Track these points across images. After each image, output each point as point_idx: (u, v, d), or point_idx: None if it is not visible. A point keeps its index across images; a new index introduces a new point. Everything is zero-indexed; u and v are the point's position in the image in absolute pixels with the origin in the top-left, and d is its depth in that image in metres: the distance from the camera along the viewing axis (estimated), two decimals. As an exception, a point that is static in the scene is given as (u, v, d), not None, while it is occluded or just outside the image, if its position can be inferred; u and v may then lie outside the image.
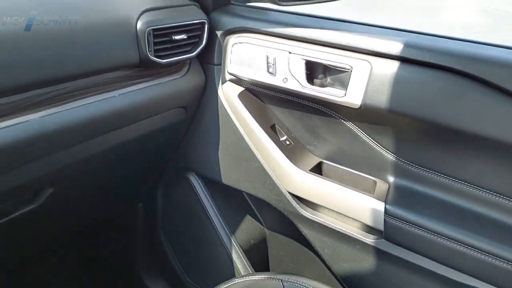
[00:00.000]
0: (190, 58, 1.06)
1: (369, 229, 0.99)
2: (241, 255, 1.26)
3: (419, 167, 0.96)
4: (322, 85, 0.98)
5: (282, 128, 1.11)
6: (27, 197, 0.89)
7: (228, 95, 1.10)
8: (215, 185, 1.24)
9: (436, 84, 0.84)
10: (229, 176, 1.18)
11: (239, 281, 0.87)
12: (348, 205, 0.99)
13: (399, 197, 0.96)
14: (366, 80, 0.90)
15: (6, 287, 1.29)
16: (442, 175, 0.93)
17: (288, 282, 0.86)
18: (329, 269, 1.11)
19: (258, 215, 1.32)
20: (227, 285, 0.87)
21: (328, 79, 0.98)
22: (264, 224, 1.33)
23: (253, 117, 1.07)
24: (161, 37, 0.94)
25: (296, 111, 1.08)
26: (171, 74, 1.04)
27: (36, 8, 0.75)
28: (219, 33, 1.07)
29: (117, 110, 0.91)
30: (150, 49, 0.91)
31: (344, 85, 0.94)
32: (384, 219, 0.94)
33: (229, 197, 1.28)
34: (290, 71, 0.99)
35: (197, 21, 1.02)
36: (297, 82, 0.98)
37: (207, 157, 1.19)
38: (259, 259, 1.33)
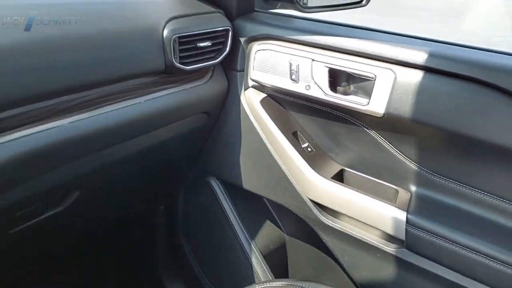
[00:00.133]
0: (213, 65, 1.07)
1: (390, 238, 0.99)
2: (260, 260, 1.26)
3: (442, 177, 0.95)
4: (345, 93, 0.98)
5: (304, 135, 1.11)
6: (55, 200, 0.91)
7: (251, 101, 1.11)
8: (235, 190, 1.25)
9: (461, 95, 0.83)
10: (250, 181, 1.19)
11: (259, 287, 0.88)
12: (369, 214, 0.98)
13: (421, 206, 0.95)
14: (390, 89, 0.90)
15: (30, 286, 1.33)
16: (466, 185, 0.92)
17: None
18: (349, 277, 1.10)
19: (278, 220, 1.32)
20: None
21: (351, 87, 0.98)
22: (284, 229, 1.34)
23: (275, 123, 1.08)
24: (186, 44, 0.95)
25: (318, 118, 1.08)
26: (195, 80, 1.06)
27: (69, 15, 0.77)
28: (242, 39, 1.08)
29: (143, 116, 0.93)
30: (175, 56, 0.93)
31: (367, 93, 0.94)
32: (406, 228, 0.93)
33: (249, 202, 1.29)
34: (313, 79, 0.99)
35: (222, 28, 1.03)
36: (320, 90, 0.99)
37: (229, 162, 1.20)
38: (278, 265, 1.33)
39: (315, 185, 1.04)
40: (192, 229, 1.40)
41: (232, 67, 1.12)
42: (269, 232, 1.33)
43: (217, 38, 1.03)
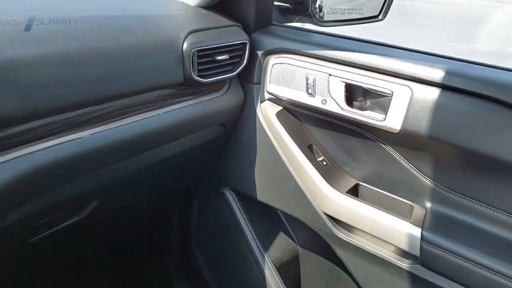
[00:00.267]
0: (230, 77, 1.08)
1: (405, 254, 0.98)
2: (273, 272, 1.26)
3: (458, 194, 0.95)
4: (362, 108, 0.98)
5: (319, 148, 1.12)
6: (74, 210, 0.93)
7: (267, 113, 1.12)
8: (249, 201, 1.25)
9: (477, 113, 0.83)
10: (264, 193, 1.19)
11: None
12: (384, 229, 0.98)
13: (436, 223, 0.95)
14: (407, 106, 0.90)
15: None
16: (481, 203, 0.92)
17: None
18: None
19: (292, 233, 1.33)
20: None
21: (368, 103, 0.99)
22: (297, 242, 1.34)
23: (291, 136, 1.09)
24: (205, 57, 0.97)
25: (334, 132, 1.08)
26: (212, 92, 1.07)
27: (93, 29, 0.79)
28: (259, 53, 1.10)
29: (162, 127, 0.94)
30: (194, 68, 0.94)
31: (383, 109, 0.94)
32: (421, 244, 0.93)
33: (263, 213, 1.29)
34: (329, 93, 1.00)
35: (239, 42, 1.04)
36: (336, 104, 0.99)
37: (243, 173, 1.21)
38: (291, 277, 1.33)
39: (330, 199, 1.05)
40: (205, 239, 1.40)
41: (249, 80, 1.13)
42: (282, 244, 1.33)
43: (235, 51, 1.04)
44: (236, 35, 1.05)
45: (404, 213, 1.00)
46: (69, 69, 0.74)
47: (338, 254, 1.10)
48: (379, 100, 0.96)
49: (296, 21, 1.16)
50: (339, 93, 0.99)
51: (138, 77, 0.86)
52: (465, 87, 0.84)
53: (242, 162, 1.21)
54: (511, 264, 0.85)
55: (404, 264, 0.97)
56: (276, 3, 1.15)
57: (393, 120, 0.92)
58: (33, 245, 0.90)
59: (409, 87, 0.90)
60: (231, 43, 1.02)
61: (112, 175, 0.91)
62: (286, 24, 1.17)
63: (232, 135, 1.20)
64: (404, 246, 0.96)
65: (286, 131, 1.09)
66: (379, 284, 1.04)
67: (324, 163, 1.10)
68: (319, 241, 1.13)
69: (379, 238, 1.00)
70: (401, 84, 0.91)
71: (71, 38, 0.75)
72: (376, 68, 0.94)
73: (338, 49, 0.99)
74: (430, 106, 0.87)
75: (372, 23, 1.15)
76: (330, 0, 1.15)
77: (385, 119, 0.93)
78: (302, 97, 1.04)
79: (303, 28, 1.14)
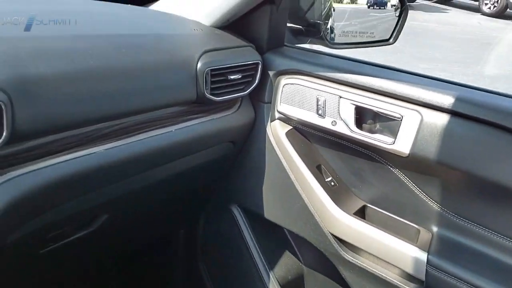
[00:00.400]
0: (242, 96, 1.10)
1: (410, 278, 0.99)
2: None
3: (465, 219, 0.95)
4: (371, 131, 0.99)
5: (328, 169, 1.13)
6: (85, 222, 0.94)
7: (276, 132, 1.13)
8: (256, 219, 1.26)
9: (487, 140, 0.84)
10: (271, 211, 1.20)
11: None
12: (390, 252, 0.99)
13: (443, 248, 0.95)
14: (416, 130, 0.91)
15: None
16: (488, 229, 0.92)
17: None
18: None
19: (298, 252, 1.33)
20: None
21: (377, 126, 1.00)
22: (302, 261, 1.34)
23: (300, 155, 1.10)
24: (218, 76, 0.99)
25: (343, 154, 1.09)
26: (224, 110, 1.09)
27: (111, 48, 0.81)
28: (271, 73, 1.11)
29: (174, 144, 0.96)
30: (207, 87, 0.96)
31: (393, 132, 0.95)
32: (426, 269, 0.93)
33: (270, 231, 1.29)
34: (339, 115, 1.01)
35: (252, 62, 1.06)
36: (346, 126, 1.00)
37: (251, 191, 1.22)
38: None
39: (337, 219, 1.05)
40: (211, 255, 1.41)
41: (260, 99, 1.15)
42: (287, 262, 1.33)
43: (247, 71, 1.06)
44: (249, 55, 1.07)
45: (410, 237, 1.01)
46: (88, 85, 0.76)
47: (343, 275, 1.10)
48: (389, 124, 0.97)
49: (308, 43, 1.18)
50: (349, 115, 1.00)
51: (153, 95, 0.88)
52: (474, 114, 0.85)
53: (251, 180, 1.22)
54: None
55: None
56: (289, 24, 1.18)
57: (402, 144, 0.93)
58: (44, 257, 0.91)
59: (419, 112, 0.91)
60: (244, 63, 1.04)
61: (123, 189, 0.93)
62: (298, 45, 1.19)
63: (242, 153, 1.21)
64: (409, 269, 0.96)
65: (295, 150, 1.10)
66: None
67: (332, 183, 1.11)
68: (325, 261, 1.13)
69: (385, 261, 1.01)
70: (411, 109, 0.92)
71: (90, 56, 0.77)
72: (387, 92, 0.95)
73: (349, 72, 1.01)
74: (439, 131, 0.88)
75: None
76: (341, 23, 1.17)
77: (394, 143, 0.94)
78: (312, 118, 1.06)
79: (314, 50, 1.16)
